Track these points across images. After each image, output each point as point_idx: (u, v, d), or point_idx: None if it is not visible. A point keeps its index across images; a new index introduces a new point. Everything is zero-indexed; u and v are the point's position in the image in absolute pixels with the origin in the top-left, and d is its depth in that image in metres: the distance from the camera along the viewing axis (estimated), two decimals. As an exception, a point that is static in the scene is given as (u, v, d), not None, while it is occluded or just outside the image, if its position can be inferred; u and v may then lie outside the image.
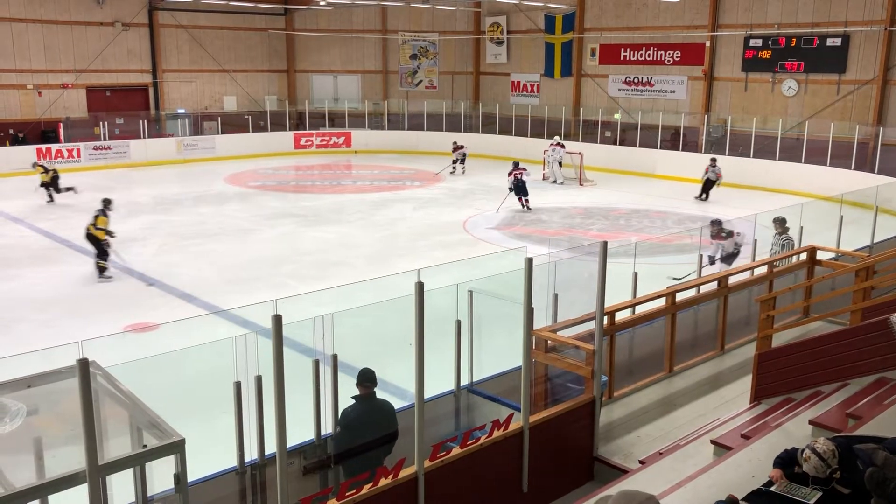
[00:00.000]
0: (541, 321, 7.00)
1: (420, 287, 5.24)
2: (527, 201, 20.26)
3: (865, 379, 6.84)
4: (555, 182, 24.55)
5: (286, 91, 34.34)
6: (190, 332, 7.55)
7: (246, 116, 31.08)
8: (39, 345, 5.10)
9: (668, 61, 27.96)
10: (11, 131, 27.56)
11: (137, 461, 4.22)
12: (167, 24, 31.01)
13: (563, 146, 25.03)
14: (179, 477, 4.20)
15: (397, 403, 6.39)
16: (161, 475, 4.31)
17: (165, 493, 4.42)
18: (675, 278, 11.06)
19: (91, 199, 21.26)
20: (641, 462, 6.44)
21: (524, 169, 20.48)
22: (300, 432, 5.86)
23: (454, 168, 26.04)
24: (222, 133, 30.32)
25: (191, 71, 31.89)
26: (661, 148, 26.39)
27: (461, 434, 6.03)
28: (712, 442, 6.30)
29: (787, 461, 4.76)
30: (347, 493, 5.11)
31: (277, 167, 28.05)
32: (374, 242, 16.78)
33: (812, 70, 24.34)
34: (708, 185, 21.79)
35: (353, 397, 6.04)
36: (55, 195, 20.54)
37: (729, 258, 11.64)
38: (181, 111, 31.26)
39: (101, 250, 13.69)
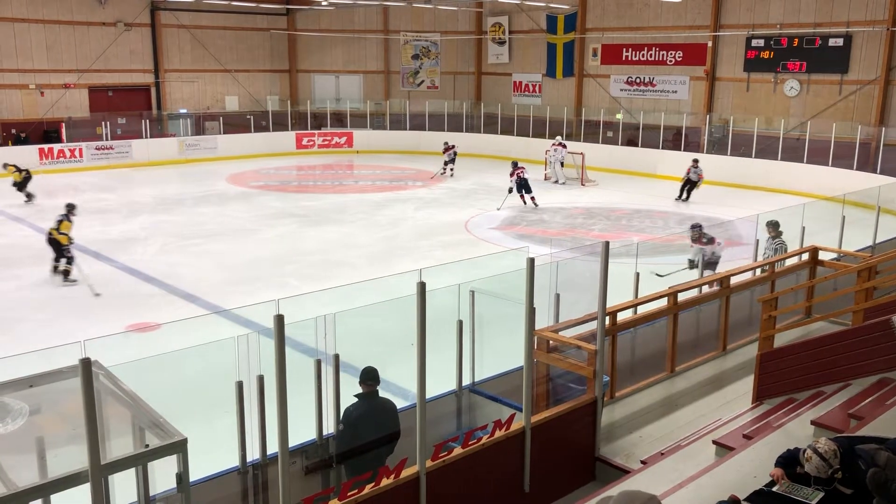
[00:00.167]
0: (542, 321, 7.00)
1: (422, 287, 5.24)
2: (533, 198, 20.53)
3: (867, 379, 6.83)
4: (556, 182, 24.55)
5: (288, 91, 34.37)
6: (192, 331, 7.57)
7: (248, 116, 31.10)
8: (41, 344, 5.11)
9: (670, 61, 27.95)
10: (14, 131, 27.60)
11: (139, 461, 4.23)
12: (169, 24, 31.04)
13: (564, 146, 25.04)
14: (181, 476, 4.21)
15: (399, 403, 6.39)
16: (163, 475, 4.31)
17: (167, 492, 4.43)
18: (658, 274, 11.08)
19: (92, 199, 21.38)
20: (643, 462, 6.44)
21: (523, 167, 20.85)
22: (302, 432, 5.86)
23: (445, 169, 25.66)
24: (224, 133, 30.31)
25: (193, 71, 31.91)
26: (662, 148, 26.38)
27: (463, 434, 6.03)
28: (714, 442, 6.30)
29: (789, 461, 4.76)
30: (349, 493, 5.11)
31: (279, 167, 28.07)
32: (375, 242, 16.79)
33: (814, 70, 24.32)
34: (688, 186, 21.55)
35: (355, 395, 6.05)
36: (24, 193, 20.56)
37: (710, 266, 11.54)
38: (183, 111, 31.30)
39: (63, 255, 13.48)
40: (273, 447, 5.23)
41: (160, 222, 18.61)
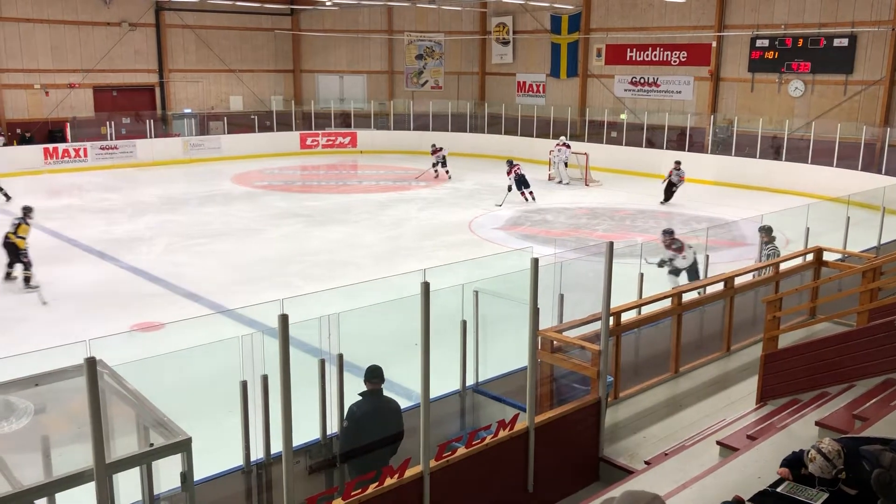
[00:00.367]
0: (546, 321, 6.99)
1: (426, 287, 5.25)
2: (531, 193, 20.76)
3: (872, 380, 6.82)
4: (560, 182, 24.55)
5: (292, 91, 34.41)
6: (196, 331, 7.57)
7: (252, 116, 31.13)
8: (46, 344, 5.13)
9: (675, 62, 27.91)
10: (19, 131, 27.68)
11: (144, 460, 4.24)
12: (174, 25, 31.10)
13: (568, 146, 25.05)
14: (186, 476, 4.21)
15: (403, 403, 6.39)
16: (167, 474, 4.32)
17: (172, 491, 4.44)
18: (648, 261, 11.05)
19: (98, 198, 21.44)
20: (647, 463, 6.43)
21: (518, 164, 21.27)
22: (306, 432, 5.87)
23: (437, 171, 25.08)
24: (228, 133, 30.37)
25: (197, 71, 31.97)
26: (666, 148, 26.34)
27: (467, 434, 6.03)
28: (718, 443, 6.28)
29: (794, 463, 4.75)
30: (353, 493, 5.12)
31: (283, 167, 28.10)
32: (379, 242, 16.80)
33: (819, 70, 24.26)
34: (670, 188, 21.25)
35: (360, 394, 6.05)
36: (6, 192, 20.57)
37: (693, 272, 11.48)
38: (187, 111, 31.35)
39: (19, 260, 13.14)
40: (277, 446, 5.25)
41: (165, 222, 18.65)
